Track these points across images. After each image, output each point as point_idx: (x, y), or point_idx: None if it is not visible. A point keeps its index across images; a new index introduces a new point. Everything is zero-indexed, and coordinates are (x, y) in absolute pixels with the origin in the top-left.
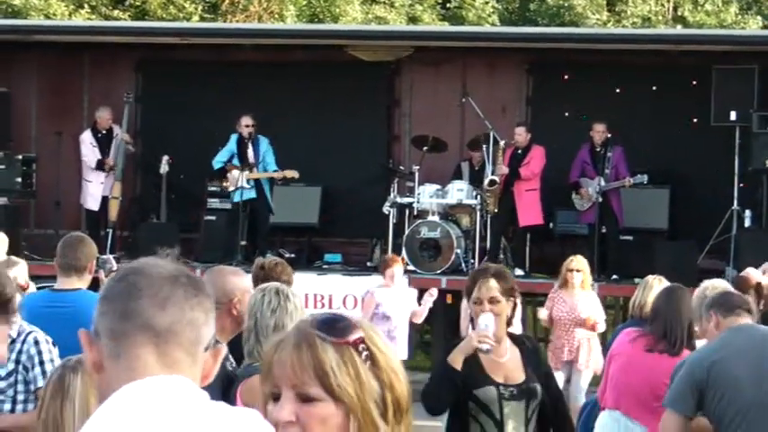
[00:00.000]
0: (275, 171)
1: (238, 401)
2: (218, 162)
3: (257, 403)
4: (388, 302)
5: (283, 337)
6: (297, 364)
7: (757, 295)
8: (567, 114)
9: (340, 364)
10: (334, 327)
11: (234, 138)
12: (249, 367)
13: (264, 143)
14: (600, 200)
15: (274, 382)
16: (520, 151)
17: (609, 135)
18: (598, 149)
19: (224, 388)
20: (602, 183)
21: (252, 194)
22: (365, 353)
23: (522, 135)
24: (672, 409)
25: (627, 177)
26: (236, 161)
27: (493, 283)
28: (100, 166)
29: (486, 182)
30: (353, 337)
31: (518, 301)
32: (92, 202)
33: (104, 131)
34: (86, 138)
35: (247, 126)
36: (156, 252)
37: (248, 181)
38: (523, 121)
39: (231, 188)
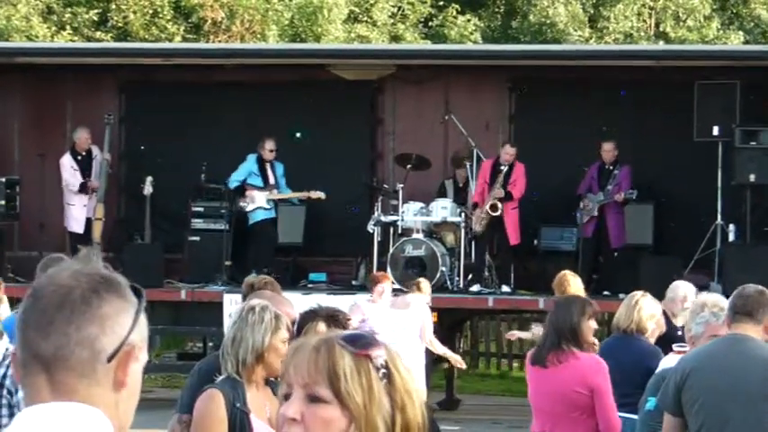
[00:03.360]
0: (301, 192)
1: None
2: (234, 181)
3: (198, 414)
4: (374, 317)
5: (304, 341)
6: (312, 365)
7: None
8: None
9: (353, 371)
10: (357, 340)
11: (252, 158)
12: (214, 383)
13: (281, 168)
14: (595, 214)
15: (289, 382)
16: (504, 168)
17: (616, 153)
18: (607, 167)
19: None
20: (601, 197)
21: (272, 214)
22: (383, 370)
23: (510, 154)
24: (667, 411)
25: (620, 192)
26: (255, 181)
27: (322, 326)
28: (83, 189)
29: (487, 206)
30: (374, 352)
31: None
32: (75, 224)
33: (84, 153)
34: (66, 162)
35: (271, 151)
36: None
37: (268, 202)
38: (508, 140)
39: (249, 208)
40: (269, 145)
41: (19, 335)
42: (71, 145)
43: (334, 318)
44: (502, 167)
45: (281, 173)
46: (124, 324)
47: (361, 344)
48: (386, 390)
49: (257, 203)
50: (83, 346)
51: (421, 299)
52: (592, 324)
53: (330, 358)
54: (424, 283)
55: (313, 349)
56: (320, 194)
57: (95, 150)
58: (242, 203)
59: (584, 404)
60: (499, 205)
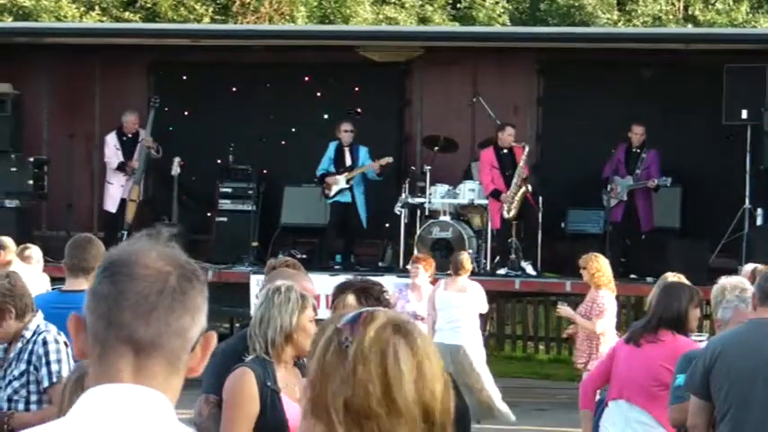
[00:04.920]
0: (370, 164)
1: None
2: (320, 170)
3: (229, 392)
4: (413, 302)
5: (327, 321)
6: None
7: None
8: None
9: (321, 341)
10: (352, 316)
11: (333, 145)
12: (243, 362)
13: (364, 152)
14: (625, 198)
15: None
16: (505, 151)
17: (645, 137)
18: (634, 150)
19: None
20: (631, 182)
21: (346, 198)
22: (345, 344)
23: (511, 136)
24: (694, 394)
25: (653, 179)
26: (332, 168)
27: (351, 299)
28: (122, 167)
29: (520, 191)
30: (349, 327)
31: None
32: (110, 204)
33: (130, 135)
34: (111, 140)
35: (346, 131)
36: (153, 229)
37: (348, 182)
38: (513, 124)
39: (331, 194)
40: (344, 126)
41: (106, 312)
42: (104, 125)
43: (365, 290)
44: (505, 150)
45: (363, 157)
46: (204, 312)
47: (347, 319)
48: (338, 356)
49: (337, 188)
50: (178, 335)
51: (469, 281)
52: (697, 312)
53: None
54: (467, 261)
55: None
56: (388, 159)
57: (143, 134)
58: (326, 191)
59: (667, 381)
60: (530, 188)
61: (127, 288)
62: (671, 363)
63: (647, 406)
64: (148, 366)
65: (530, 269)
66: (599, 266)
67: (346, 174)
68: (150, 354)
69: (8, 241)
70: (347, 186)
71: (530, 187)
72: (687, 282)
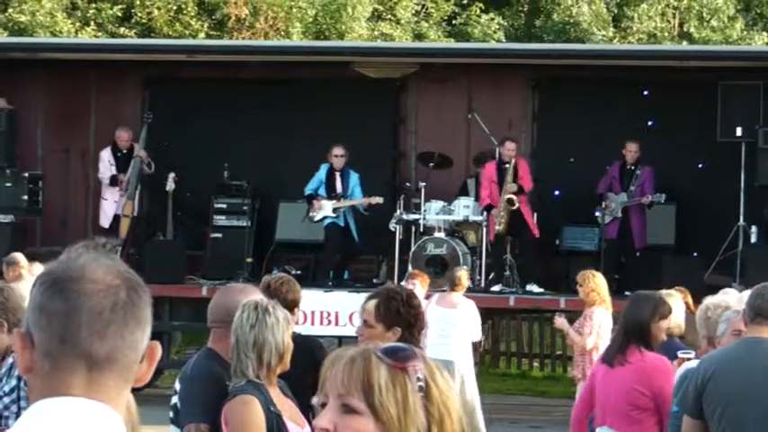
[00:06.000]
0: (359, 199)
1: (222, 419)
2: (307, 190)
3: (237, 422)
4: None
5: (342, 352)
6: (347, 375)
7: None
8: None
9: (389, 383)
10: (394, 352)
11: (324, 168)
12: (236, 387)
13: (354, 178)
14: (619, 215)
15: (325, 392)
16: (507, 165)
17: (639, 154)
18: (628, 167)
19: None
20: (625, 198)
21: (340, 222)
22: (419, 383)
23: (511, 149)
24: (686, 414)
25: (647, 195)
26: (322, 191)
27: (371, 304)
28: (114, 181)
29: (504, 201)
30: (411, 364)
31: (418, 330)
32: (104, 219)
33: (125, 151)
34: (105, 155)
35: (337, 156)
36: (90, 241)
37: (334, 210)
38: (513, 138)
39: (317, 218)
40: (336, 150)
41: (59, 329)
42: (99, 140)
43: (389, 298)
44: (506, 165)
45: (353, 183)
46: (151, 322)
47: (399, 356)
48: (422, 403)
49: (323, 213)
50: (131, 348)
51: (463, 297)
52: (663, 324)
53: (365, 370)
54: (465, 277)
55: (349, 360)
56: (378, 200)
57: (137, 149)
58: (311, 213)
59: (644, 404)
60: (515, 198)
61: (79, 304)
62: (644, 385)
63: (628, 431)
64: (101, 381)
65: (536, 288)
66: (594, 285)
67: (335, 203)
68: (104, 369)
69: (19, 257)
70: (333, 215)
71: (515, 199)
72: (687, 298)
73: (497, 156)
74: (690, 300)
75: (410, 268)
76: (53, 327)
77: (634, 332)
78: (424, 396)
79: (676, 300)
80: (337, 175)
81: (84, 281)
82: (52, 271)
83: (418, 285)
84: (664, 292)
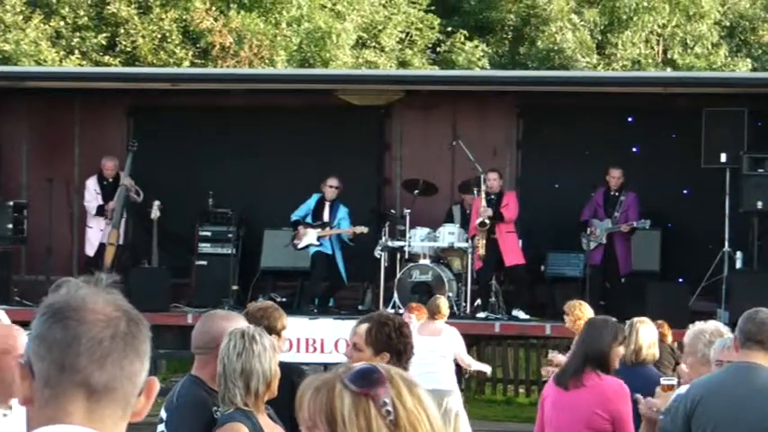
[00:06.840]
0: (345, 228)
1: None
2: (294, 215)
3: None
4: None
5: (312, 381)
6: (312, 406)
7: None
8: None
9: (351, 413)
10: (361, 377)
11: (315, 197)
12: (224, 414)
13: (343, 211)
14: (604, 241)
15: (299, 421)
16: (493, 197)
17: (623, 180)
18: (613, 193)
19: None
20: (609, 225)
21: (326, 250)
22: (386, 407)
23: (496, 180)
24: None
25: (630, 222)
26: (309, 219)
27: (363, 328)
28: (100, 211)
29: (477, 222)
30: (376, 390)
31: (406, 359)
32: (89, 248)
33: (111, 180)
34: (91, 184)
35: (331, 187)
36: (91, 276)
37: (319, 239)
38: (496, 168)
39: (300, 245)
40: (331, 181)
41: (59, 357)
42: (83, 169)
43: (381, 323)
44: (492, 197)
45: (341, 215)
46: (149, 357)
47: (364, 382)
48: (388, 428)
49: (307, 241)
50: (129, 379)
51: (446, 324)
52: (620, 350)
53: (329, 400)
54: (444, 305)
55: (314, 390)
56: (363, 229)
57: (122, 177)
58: (295, 241)
59: (602, 427)
60: (487, 222)
61: (80, 333)
62: (602, 408)
63: None
64: (99, 411)
65: (521, 314)
66: (581, 314)
67: (319, 231)
68: (102, 398)
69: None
70: (317, 244)
71: (486, 221)
72: (663, 328)
73: (483, 186)
74: (666, 330)
75: (395, 295)
76: (53, 355)
77: (594, 357)
78: (393, 421)
79: (648, 325)
80: (326, 204)
81: (85, 311)
82: (53, 302)
83: (414, 319)
84: (636, 319)
